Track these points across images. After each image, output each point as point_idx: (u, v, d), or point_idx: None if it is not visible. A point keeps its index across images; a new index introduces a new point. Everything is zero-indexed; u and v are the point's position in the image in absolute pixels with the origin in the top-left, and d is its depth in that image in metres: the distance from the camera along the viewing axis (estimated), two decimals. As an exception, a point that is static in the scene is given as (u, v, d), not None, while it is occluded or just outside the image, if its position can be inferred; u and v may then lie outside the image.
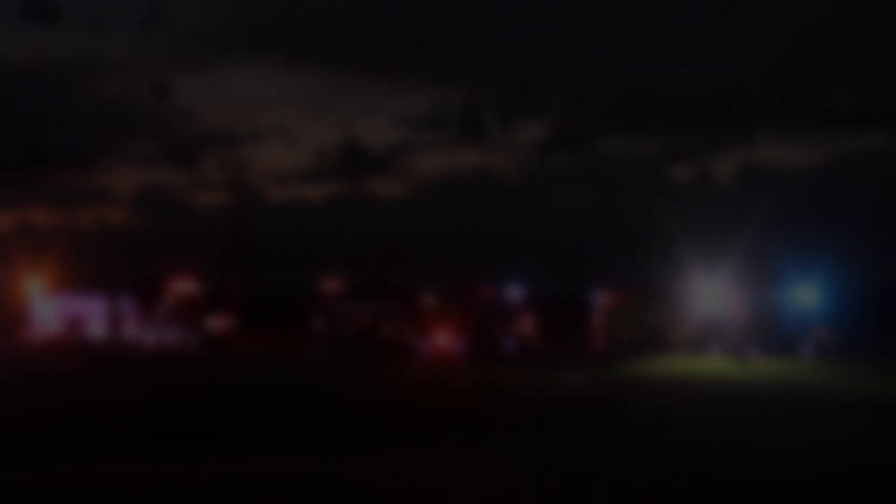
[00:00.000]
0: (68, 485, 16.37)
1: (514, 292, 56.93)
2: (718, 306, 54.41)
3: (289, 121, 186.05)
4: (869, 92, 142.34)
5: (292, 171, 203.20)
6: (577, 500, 15.53)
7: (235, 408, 29.07)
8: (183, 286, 60.84)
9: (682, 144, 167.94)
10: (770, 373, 43.43)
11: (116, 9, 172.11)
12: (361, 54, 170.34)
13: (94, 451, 20.77)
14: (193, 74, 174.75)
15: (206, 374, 41.75)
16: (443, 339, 53.97)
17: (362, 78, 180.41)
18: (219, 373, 42.89)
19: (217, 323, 61.32)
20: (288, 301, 69.06)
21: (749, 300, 54.90)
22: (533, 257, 57.78)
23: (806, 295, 55.36)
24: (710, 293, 54.62)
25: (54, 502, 15.04)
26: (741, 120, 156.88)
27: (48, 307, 61.20)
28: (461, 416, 27.45)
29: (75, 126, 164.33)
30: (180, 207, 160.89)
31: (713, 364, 48.50)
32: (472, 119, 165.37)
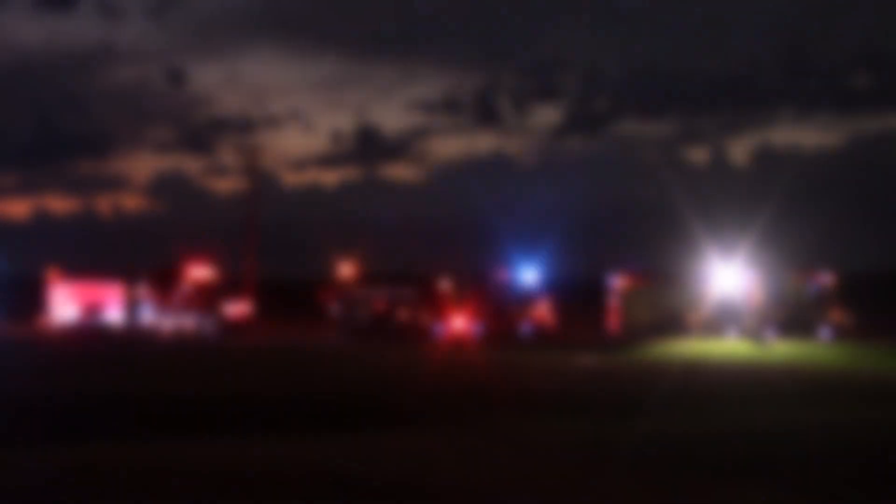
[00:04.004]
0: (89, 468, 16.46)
1: (530, 276, 56.86)
2: (735, 289, 54.24)
3: (304, 106, 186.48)
4: (886, 72, 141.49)
5: (307, 157, 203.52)
6: (588, 483, 15.51)
7: (253, 393, 29.19)
8: (199, 272, 60.96)
9: (697, 126, 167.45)
10: (787, 355, 43.32)
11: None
12: (376, 39, 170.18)
13: (113, 435, 20.88)
14: (208, 61, 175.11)
15: (224, 360, 41.90)
16: (459, 324, 54.00)
17: (377, 63, 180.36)
18: (236, 358, 43.04)
19: (234, 309, 61.48)
20: (304, 287, 69.19)
21: (765, 283, 54.70)
22: (548, 240, 57.62)
23: (822, 277, 55.14)
24: (727, 276, 54.44)
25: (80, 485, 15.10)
26: (757, 102, 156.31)
27: (65, 293, 61.43)
28: (475, 401, 27.46)
29: (91, 113, 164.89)
30: (196, 193, 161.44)
31: (730, 347, 48.41)
32: (487, 103, 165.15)
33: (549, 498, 14.59)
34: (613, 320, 56.75)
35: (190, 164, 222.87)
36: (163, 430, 21.79)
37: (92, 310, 60.96)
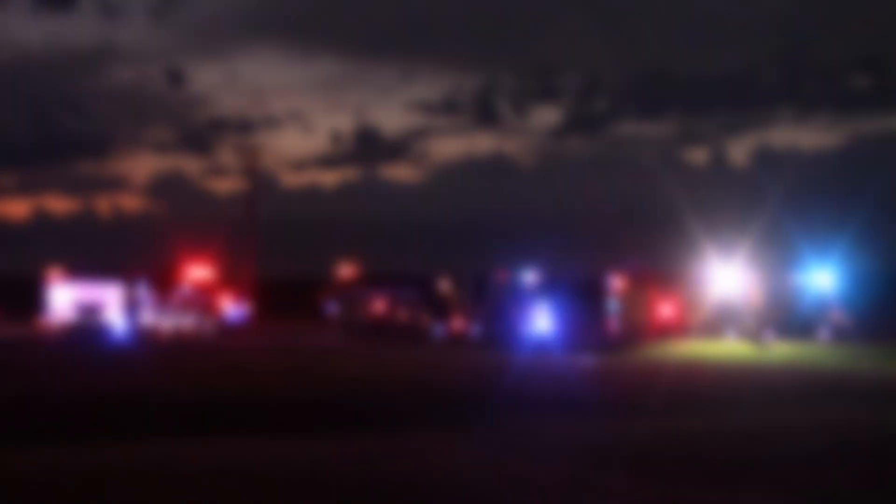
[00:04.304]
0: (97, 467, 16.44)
1: (530, 277, 56.80)
2: (734, 290, 54.22)
3: (303, 107, 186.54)
4: (885, 73, 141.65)
5: (307, 157, 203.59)
6: (588, 483, 15.51)
7: (250, 393, 29.19)
8: (198, 273, 60.94)
9: (697, 127, 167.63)
10: (786, 356, 43.32)
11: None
12: (375, 40, 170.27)
13: (110, 434, 20.87)
14: (208, 61, 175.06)
15: (222, 361, 41.88)
16: (458, 324, 53.98)
17: (376, 63, 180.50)
18: (235, 359, 43.02)
19: (233, 309, 61.45)
20: (303, 287, 69.21)
21: (765, 283, 54.70)
22: (548, 241, 57.66)
23: (822, 278, 55.12)
24: (726, 277, 54.43)
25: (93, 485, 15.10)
26: (756, 102, 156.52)
27: (64, 293, 61.39)
28: (474, 401, 27.45)
29: (90, 113, 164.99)
30: (195, 193, 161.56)
31: (729, 348, 48.41)
32: (487, 104, 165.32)
33: (548, 498, 14.58)
34: (613, 321, 56.72)
35: (189, 165, 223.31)
36: (159, 431, 21.77)
37: (91, 310, 60.90)
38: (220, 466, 16.76)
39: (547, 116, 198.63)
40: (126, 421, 23.34)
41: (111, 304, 61.16)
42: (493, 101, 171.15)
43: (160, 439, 20.38)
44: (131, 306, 60.68)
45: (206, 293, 60.46)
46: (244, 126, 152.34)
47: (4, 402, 27.06)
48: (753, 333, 51.11)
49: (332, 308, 59.18)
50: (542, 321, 55.64)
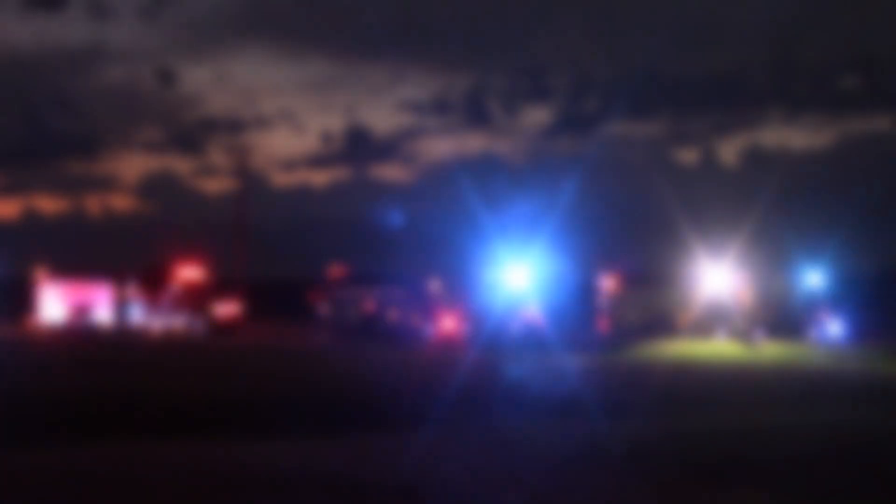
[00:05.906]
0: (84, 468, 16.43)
1: (520, 276, 56.85)
2: (724, 290, 54.34)
3: (294, 106, 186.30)
4: (875, 73, 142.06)
5: (297, 157, 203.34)
6: (581, 483, 15.53)
7: (241, 394, 29.16)
8: (189, 272, 60.86)
9: (687, 127, 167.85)
10: (776, 356, 43.43)
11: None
12: (366, 40, 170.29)
13: (106, 433, 20.84)
14: (199, 61, 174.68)
15: (213, 361, 41.83)
16: (449, 325, 53.97)
17: (367, 63, 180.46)
18: (225, 359, 42.98)
19: (223, 309, 61.34)
20: (294, 287, 69.13)
21: (755, 284, 54.81)
22: (538, 241, 57.64)
23: (812, 278, 55.26)
24: (716, 277, 54.53)
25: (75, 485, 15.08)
26: (746, 103, 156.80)
27: (54, 293, 61.27)
28: (466, 401, 27.46)
29: (81, 113, 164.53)
30: (186, 193, 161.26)
31: (719, 348, 48.50)
32: (478, 104, 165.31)
33: (540, 498, 14.60)
34: (603, 321, 56.80)
35: (180, 165, 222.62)
36: (155, 431, 21.74)
37: (81, 310, 60.81)
38: (202, 468, 16.73)
39: (537, 116, 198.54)
40: (116, 421, 23.31)
41: (101, 304, 61.10)
42: (484, 102, 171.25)
43: (148, 439, 20.36)
44: (121, 306, 60.61)
45: (197, 293, 60.37)
46: (234, 126, 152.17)
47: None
48: (743, 333, 51.23)
49: (323, 308, 59.15)
50: (532, 320, 55.67)
